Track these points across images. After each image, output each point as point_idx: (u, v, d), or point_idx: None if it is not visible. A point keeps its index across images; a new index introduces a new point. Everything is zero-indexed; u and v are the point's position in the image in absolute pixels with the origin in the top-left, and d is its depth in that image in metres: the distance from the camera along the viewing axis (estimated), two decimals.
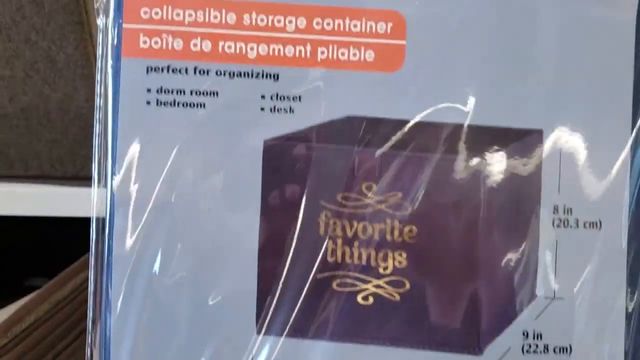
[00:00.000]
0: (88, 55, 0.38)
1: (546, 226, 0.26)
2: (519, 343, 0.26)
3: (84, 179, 0.41)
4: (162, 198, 0.25)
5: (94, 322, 0.26)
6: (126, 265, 0.25)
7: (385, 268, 0.26)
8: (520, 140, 0.26)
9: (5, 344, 0.33)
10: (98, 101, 0.26)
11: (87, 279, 0.39)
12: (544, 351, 0.26)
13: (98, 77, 0.26)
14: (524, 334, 0.26)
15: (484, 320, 0.26)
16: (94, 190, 0.25)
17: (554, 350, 0.26)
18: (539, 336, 0.26)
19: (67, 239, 0.44)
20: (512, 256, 0.26)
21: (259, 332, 0.25)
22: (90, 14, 0.36)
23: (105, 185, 0.25)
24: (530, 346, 0.26)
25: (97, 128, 0.26)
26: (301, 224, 0.25)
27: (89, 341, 0.26)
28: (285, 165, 0.25)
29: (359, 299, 0.26)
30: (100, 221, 0.26)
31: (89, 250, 0.34)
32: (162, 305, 0.25)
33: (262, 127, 0.25)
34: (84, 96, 0.39)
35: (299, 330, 0.25)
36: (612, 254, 0.26)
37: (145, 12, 0.25)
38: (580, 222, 0.26)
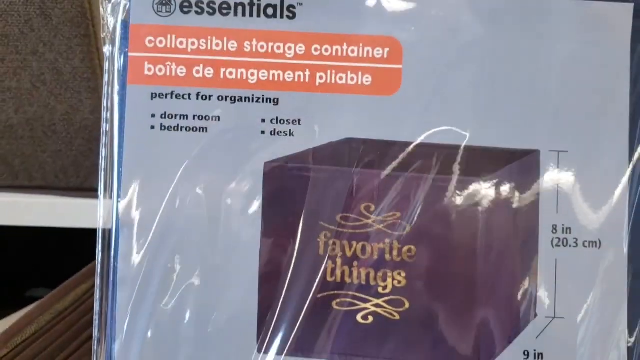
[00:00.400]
0: (94, 67, 0.38)
1: (545, 246, 0.26)
2: None
3: (88, 190, 0.42)
4: (165, 220, 0.26)
5: (99, 341, 0.26)
6: (132, 288, 0.26)
7: (385, 287, 0.26)
8: (517, 160, 0.27)
9: (5, 354, 0.34)
10: (104, 126, 0.27)
11: (88, 290, 0.40)
12: None
13: (105, 103, 0.27)
14: (524, 353, 0.26)
15: (483, 339, 0.26)
16: (100, 211, 0.26)
17: None
18: (540, 356, 0.26)
19: (70, 250, 0.45)
20: (511, 275, 0.26)
21: (259, 351, 0.26)
22: (97, 27, 0.37)
23: (112, 198, 0.26)
24: None
25: (102, 152, 0.27)
26: (301, 245, 0.26)
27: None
28: (285, 187, 0.26)
29: (359, 318, 0.26)
30: (106, 241, 0.26)
31: (91, 261, 0.35)
32: (166, 326, 0.26)
33: (263, 150, 0.26)
34: (89, 108, 0.39)
35: (300, 349, 0.26)
36: (612, 272, 0.26)
37: (150, 41, 0.26)
38: (579, 241, 0.26)
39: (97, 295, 0.26)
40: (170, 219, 0.26)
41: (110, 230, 0.26)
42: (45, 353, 0.36)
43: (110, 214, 0.26)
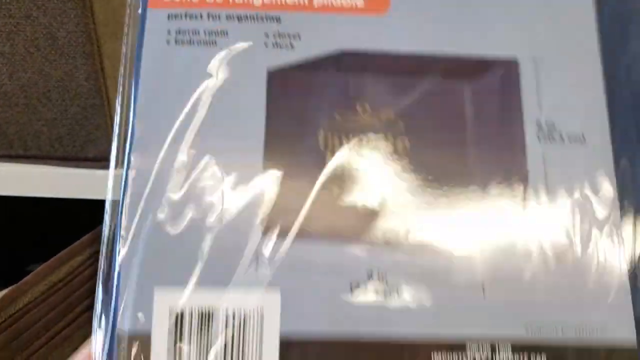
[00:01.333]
0: (89, 32, 0.36)
1: (532, 140, 0.28)
2: None
3: (84, 160, 0.41)
4: (181, 118, 0.28)
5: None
6: (146, 181, 0.27)
7: (383, 192, 0.27)
8: (499, 65, 0.29)
9: None
10: (125, 50, 0.30)
11: (83, 262, 0.39)
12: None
13: (125, 30, 0.30)
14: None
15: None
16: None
17: None
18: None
19: (67, 221, 0.44)
20: (502, 164, 0.28)
21: (264, 234, 0.26)
22: None
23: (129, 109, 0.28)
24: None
25: (121, 70, 0.29)
26: (302, 138, 0.28)
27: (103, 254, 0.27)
28: (287, 88, 0.28)
29: (360, 207, 0.27)
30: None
31: (88, 232, 0.35)
32: (171, 211, 0.27)
33: (266, 59, 0.29)
34: (84, 74, 0.38)
35: (302, 233, 0.26)
36: (599, 164, 0.28)
37: None
38: (564, 136, 0.28)
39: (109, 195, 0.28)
40: (185, 118, 0.28)
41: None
42: (39, 324, 0.36)
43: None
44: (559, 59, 0.29)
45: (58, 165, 0.42)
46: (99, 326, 0.26)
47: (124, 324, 0.25)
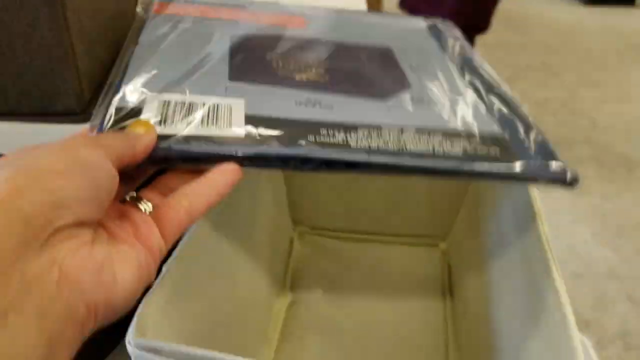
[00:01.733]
0: None
1: (408, 71, 0.44)
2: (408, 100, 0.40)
3: (52, 115, 0.41)
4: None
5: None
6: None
7: (311, 75, 0.41)
8: (380, 48, 0.48)
9: None
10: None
11: None
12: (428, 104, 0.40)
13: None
14: (411, 98, 0.40)
15: (377, 91, 0.40)
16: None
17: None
18: (420, 99, 0.40)
19: None
20: (391, 77, 0.43)
21: (230, 79, 0.38)
22: None
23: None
24: (416, 101, 0.40)
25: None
26: (257, 56, 0.42)
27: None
28: (246, 42, 0.43)
29: (297, 78, 0.40)
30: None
31: None
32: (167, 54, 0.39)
33: (230, 31, 0.45)
34: (47, 25, 0.36)
35: (257, 82, 0.38)
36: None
37: None
38: (423, 72, 0.45)
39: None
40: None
41: None
42: None
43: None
44: (412, 50, 0.48)
45: (26, 120, 0.41)
46: (102, 102, 0.33)
47: (120, 102, 0.33)
